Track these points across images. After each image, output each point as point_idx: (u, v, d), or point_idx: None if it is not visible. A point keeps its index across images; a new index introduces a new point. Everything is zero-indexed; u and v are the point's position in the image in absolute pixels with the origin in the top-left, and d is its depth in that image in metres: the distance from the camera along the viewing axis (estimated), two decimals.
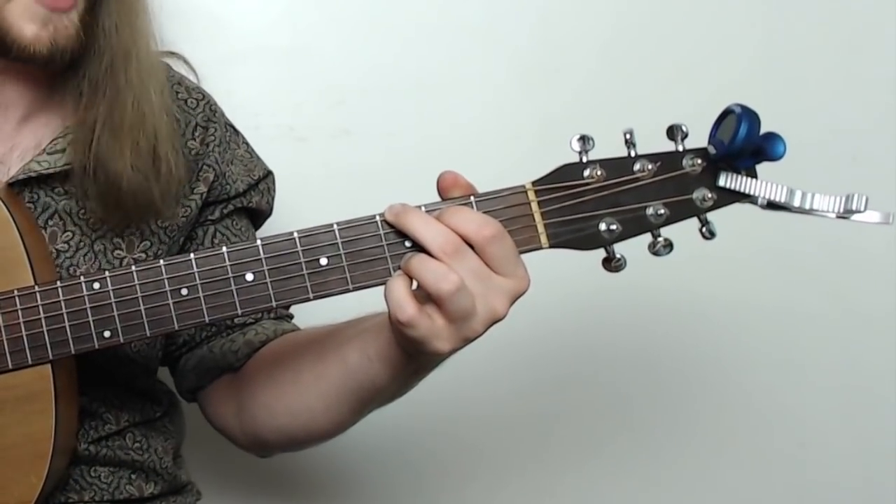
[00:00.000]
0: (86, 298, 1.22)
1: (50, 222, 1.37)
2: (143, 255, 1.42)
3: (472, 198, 1.19)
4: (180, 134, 1.43)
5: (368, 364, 1.26)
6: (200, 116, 1.48)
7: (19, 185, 1.36)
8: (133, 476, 1.45)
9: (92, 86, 1.35)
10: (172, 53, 1.55)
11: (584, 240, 1.18)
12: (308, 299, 1.20)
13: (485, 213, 1.18)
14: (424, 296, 1.15)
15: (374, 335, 1.25)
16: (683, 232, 1.20)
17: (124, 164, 1.33)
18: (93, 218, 1.37)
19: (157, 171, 1.35)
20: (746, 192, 1.16)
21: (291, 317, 1.53)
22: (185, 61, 1.56)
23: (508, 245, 1.16)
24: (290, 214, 1.68)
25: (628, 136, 1.18)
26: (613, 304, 1.92)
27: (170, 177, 1.36)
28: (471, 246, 1.15)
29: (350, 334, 1.30)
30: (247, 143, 1.54)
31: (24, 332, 1.23)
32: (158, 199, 1.36)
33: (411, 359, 1.22)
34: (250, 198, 1.51)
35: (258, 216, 1.55)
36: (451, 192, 1.19)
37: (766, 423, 2.02)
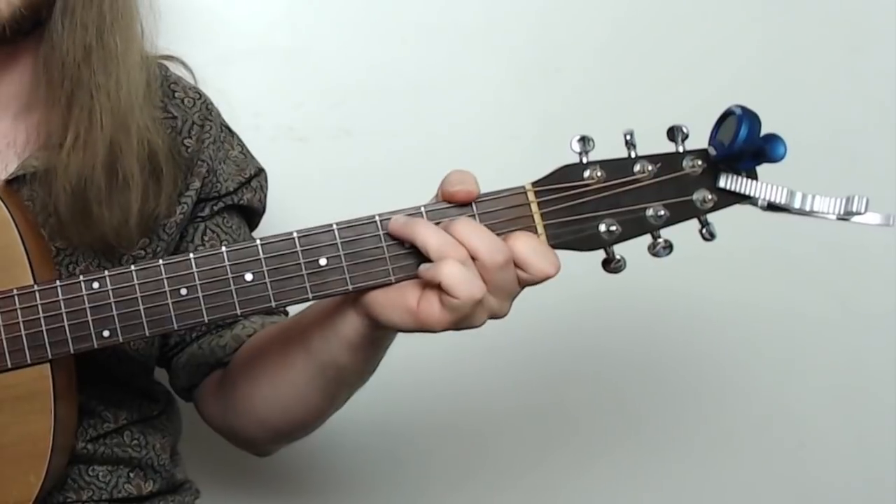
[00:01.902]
0: (85, 298, 1.22)
1: (49, 220, 1.37)
2: (143, 253, 1.42)
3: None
4: (171, 139, 1.43)
5: (327, 344, 1.26)
6: (197, 115, 1.48)
7: (17, 183, 1.36)
8: (131, 474, 1.46)
9: (66, 95, 1.35)
10: (170, 56, 1.54)
11: (583, 241, 1.18)
12: (307, 299, 1.20)
13: (484, 213, 1.18)
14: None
15: (332, 317, 1.25)
16: (682, 233, 1.20)
17: (73, 178, 1.33)
18: (56, 230, 1.37)
19: (116, 190, 1.35)
20: (747, 193, 1.16)
21: (286, 312, 1.52)
22: (183, 64, 1.56)
23: (511, 275, 1.16)
24: (290, 214, 1.68)
25: (628, 137, 1.18)
26: (613, 305, 1.92)
27: (127, 193, 1.35)
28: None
29: (308, 319, 1.30)
30: (241, 145, 1.54)
31: (23, 332, 1.23)
32: (109, 223, 1.35)
33: (367, 333, 1.23)
34: (241, 195, 1.51)
35: (252, 214, 1.55)
36: (452, 192, 1.19)
37: (766, 423, 2.02)
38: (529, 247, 1.15)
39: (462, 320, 1.16)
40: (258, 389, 1.38)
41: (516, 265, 1.16)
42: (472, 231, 1.15)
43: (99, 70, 1.34)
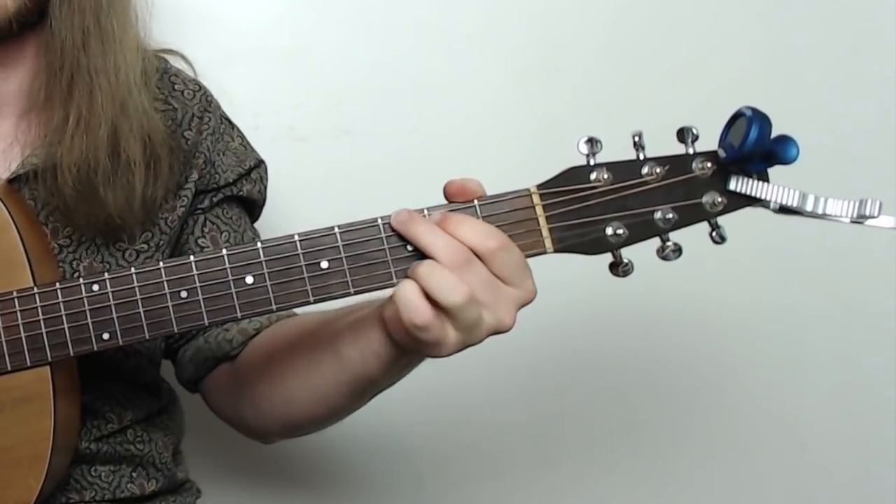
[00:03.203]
0: (85, 300, 1.21)
1: (51, 218, 1.37)
2: (146, 247, 1.42)
3: (475, 202, 1.17)
4: (171, 130, 1.43)
5: (361, 358, 1.25)
6: (197, 107, 1.48)
7: (19, 182, 1.36)
8: (134, 474, 1.46)
9: (66, 80, 1.36)
10: (170, 50, 1.55)
11: (589, 244, 1.17)
12: (308, 303, 1.19)
13: (489, 216, 1.17)
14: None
15: (366, 330, 1.24)
16: (687, 235, 1.19)
17: (78, 161, 1.33)
18: (62, 216, 1.37)
19: (120, 171, 1.35)
20: (757, 196, 1.15)
21: None
22: (183, 57, 1.56)
23: (515, 255, 1.15)
24: (290, 214, 1.68)
25: (637, 139, 1.17)
26: (617, 307, 1.92)
27: (130, 175, 1.35)
28: (478, 256, 1.14)
29: (341, 327, 1.29)
30: (241, 136, 1.54)
31: (22, 334, 1.22)
32: (115, 204, 1.35)
33: (403, 354, 1.22)
34: (241, 186, 1.51)
35: (252, 206, 1.55)
36: (457, 198, 1.18)
37: (767, 423, 2.02)
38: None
39: (462, 335, 1.15)
40: (281, 389, 1.37)
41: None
42: (460, 224, 1.15)
43: (97, 54, 1.35)
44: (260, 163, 1.54)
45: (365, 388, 1.30)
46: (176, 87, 1.49)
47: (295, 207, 1.72)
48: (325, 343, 1.31)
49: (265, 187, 1.55)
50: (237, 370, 1.45)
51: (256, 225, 1.56)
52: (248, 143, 1.54)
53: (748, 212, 1.18)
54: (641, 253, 1.19)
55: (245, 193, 1.51)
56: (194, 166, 1.46)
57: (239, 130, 1.54)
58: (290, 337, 1.40)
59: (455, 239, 1.14)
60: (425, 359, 1.25)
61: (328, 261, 1.18)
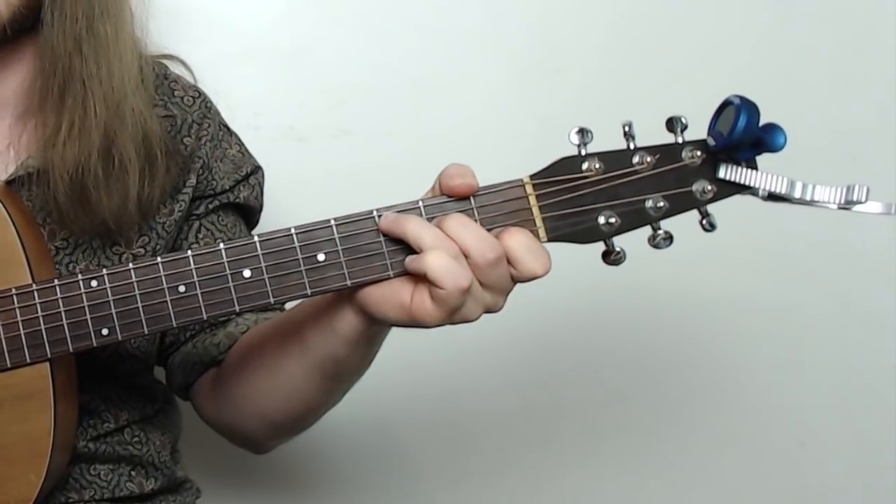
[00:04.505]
0: (84, 296, 1.21)
1: (48, 220, 1.37)
2: (142, 251, 1.42)
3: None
4: (171, 137, 1.43)
5: (324, 339, 1.27)
6: (196, 114, 1.48)
7: (17, 184, 1.36)
8: (133, 473, 1.46)
9: (59, 86, 1.36)
10: (170, 56, 1.55)
11: (582, 233, 1.17)
12: (306, 295, 1.19)
13: (482, 206, 1.17)
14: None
15: (326, 310, 1.25)
16: (682, 230, 1.19)
17: (70, 168, 1.33)
18: (56, 220, 1.37)
19: (113, 175, 1.35)
20: (746, 183, 1.15)
21: (282, 308, 1.50)
22: (182, 62, 1.57)
23: (504, 271, 1.16)
24: (290, 214, 1.67)
25: (627, 129, 1.18)
26: (612, 300, 1.92)
27: (125, 178, 1.35)
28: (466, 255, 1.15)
29: (305, 314, 1.30)
30: (240, 144, 1.54)
31: (22, 331, 1.22)
32: (109, 208, 1.35)
33: (363, 329, 1.23)
34: (237, 193, 1.51)
35: (249, 212, 1.55)
36: (452, 186, 1.18)
37: (766, 423, 2.02)
38: (522, 244, 1.15)
39: (454, 313, 1.15)
40: (255, 384, 1.37)
41: (508, 261, 1.15)
42: (462, 228, 1.15)
43: (90, 59, 1.35)
44: (257, 168, 1.54)
45: (333, 371, 1.30)
46: (176, 93, 1.49)
47: (295, 207, 1.72)
48: (291, 332, 1.32)
49: (261, 193, 1.55)
50: (220, 373, 1.46)
51: (256, 230, 1.56)
52: (246, 150, 1.54)
53: (747, 206, 1.19)
54: (638, 249, 1.19)
55: (242, 200, 1.51)
56: (192, 170, 1.46)
57: (237, 138, 1.54)
58: (262, 333, 1.41)
59: (447, 236, 1.15)
60: (387, 335, 1.27)
61: (325, 253, 1.18)
